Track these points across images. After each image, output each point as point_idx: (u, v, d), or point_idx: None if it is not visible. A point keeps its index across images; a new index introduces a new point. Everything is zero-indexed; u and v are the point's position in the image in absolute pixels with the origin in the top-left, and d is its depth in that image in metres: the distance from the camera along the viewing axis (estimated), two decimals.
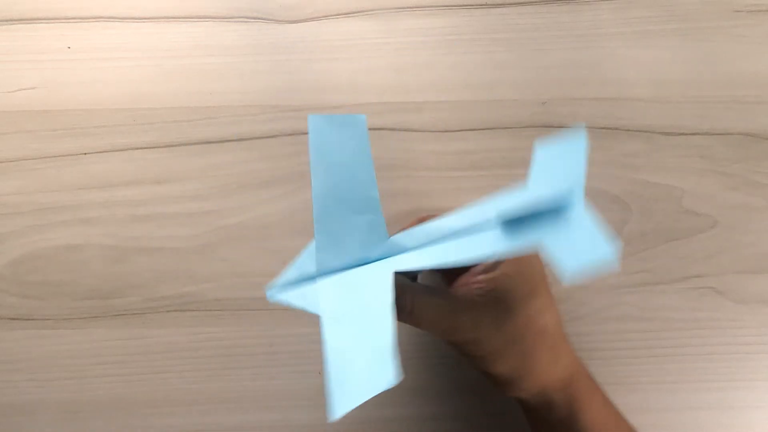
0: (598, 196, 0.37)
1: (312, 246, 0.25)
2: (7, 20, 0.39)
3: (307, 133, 0.38)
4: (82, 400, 0.35)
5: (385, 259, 0.25)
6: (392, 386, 0.21)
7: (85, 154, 0.38)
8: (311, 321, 0.36)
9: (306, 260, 0.25)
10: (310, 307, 0.25)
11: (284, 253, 0.37)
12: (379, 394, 0.35)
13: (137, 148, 0.38)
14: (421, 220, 0.30)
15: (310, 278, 0.25)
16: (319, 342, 0.36)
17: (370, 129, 0.38)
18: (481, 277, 0.27)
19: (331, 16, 0.40)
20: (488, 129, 0.38)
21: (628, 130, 0.38)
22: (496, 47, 0.39)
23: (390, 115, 0.38)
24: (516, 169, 0.38)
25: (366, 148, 0.26)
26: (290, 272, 0.25)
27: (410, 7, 0.40)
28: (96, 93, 0.39)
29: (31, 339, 0.36)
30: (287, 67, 0.39)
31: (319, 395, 0.35)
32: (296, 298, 0.25)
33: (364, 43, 0.39)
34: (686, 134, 0.38)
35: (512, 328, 0.26)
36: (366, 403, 0.35)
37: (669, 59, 0.39)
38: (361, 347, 0.23)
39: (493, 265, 0.27)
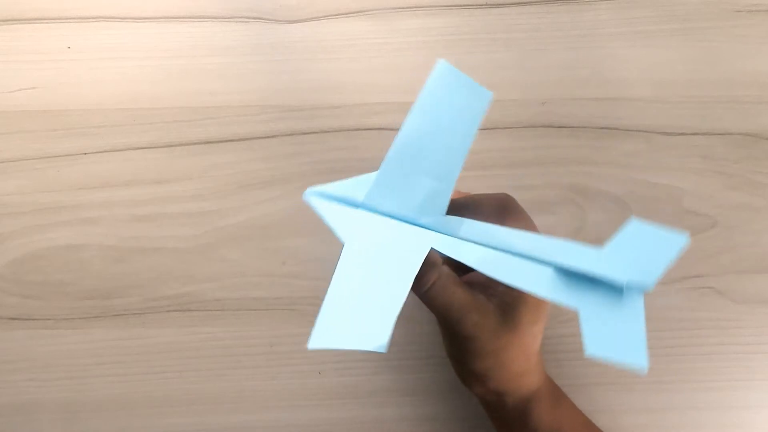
0: (598, 196, 0.37)
1: (368, 176, 0.24)
2: (7, 20, 0.39)
3: (307, 133, 0.38)
4: (82, 400, 0.35)
5: (430, 231, 0.24)
6: (377, 351, 0.21)
7: (85, 154, 0.38)
8: (311, 321, 0.36)
9: (355, 186, 0.24)
10: (336, 228, 0.24)
11: (284, 253, 0.37)
12: (378, 395, 0.35)
13: (137, 148, 0.38)
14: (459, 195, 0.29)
15: (353, 203, 0.24)
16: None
17: (370, 129, 0.38)
18: (502, 288, 0.28)
19: (331, 16, 0.40)
20: (488, 129, 0.38)
21: (628, 130, 0.38)
22: (496, 47, 0.39)
23: (390, 115, 0.38)
24: (516, 169, 0.38)
25: (476, 124, 0.24)
26: (336, 187, 0.24)
27: (410, 7, 0.40)
28: (96, 93, 0.39)
29: (31, 339, 0.36)
30: (287, 67, 0.39)
31: (319, 395, 0.35)
32: (329, 212, 0.24)
33: (364, 43, 0.39)
34: (686, 134, 0.38)
35: (507, 341, 0.27)
36: (366, 402, 0.35)
37: (669, 59, 0.39)
38: (368, 300, 0.22)
39: None
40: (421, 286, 0.26)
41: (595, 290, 0.22)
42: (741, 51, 0.39)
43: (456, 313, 0.26)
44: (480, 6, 0.40)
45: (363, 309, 0.22)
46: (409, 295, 0.23)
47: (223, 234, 0.37)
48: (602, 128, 0.38)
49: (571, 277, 0.22)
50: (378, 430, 0.35)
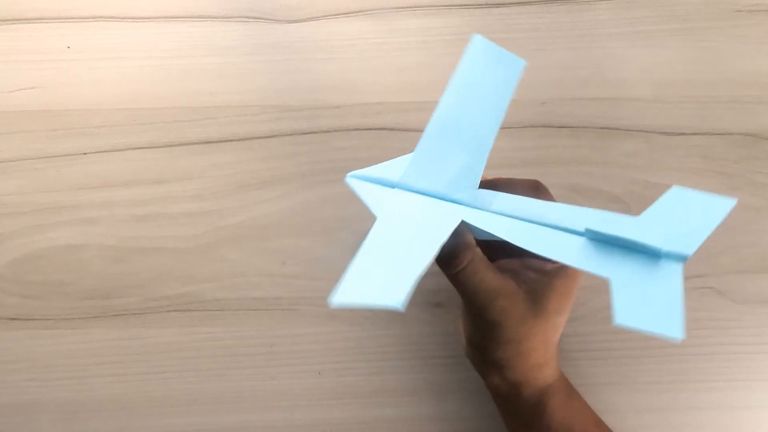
0: (598, 196, 0.37)
1: (405, 158, 0.25)
2: (7, 20, 0.39)
3: (307, 133, 0.38)
4: (82, 400, 0.35)
5: (463, 205, 0.25)
6: (394, 308, 0.20)
7: (85, 154, 0.38)
8: (311, 321, 0.36)
9: (392, 168, 0.25)
10: (372, 207, 0.25)
11: (284, 253, 0.37)
12: (378, 395, 0.35)
13: (137, 148, 0.38)
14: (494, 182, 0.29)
15: (389, 184, 0.25)
16: (319, 342, 0.36)
17: (370, 129, 0.38)
18: (532, 275, 0.28)
19: (331, 16, 0.40)
20: None
21: (628, 130, 0.38)
22: None
23: (390, 115, 0.38)
24: (516, 169, 0.38)
25: (509, 93, 0.26)
26: (374, 170, 0.26)
27: (410, 7, 0.40)
28: (96, 93, 0.39)
29: (31, 339, 0.36)
30: (287, 67, 0.39)
31: (319, 395, 0.35)
32: (366, 192, 0.25)
33: (364, 43, 0.39)
34: (686, 134, 0.38)
35: (531, 330, 0.27)
36: (366, 402, 0.35)
37: (669, 59, 0.39)
38: (392, 263, 0.23)
39: (548, 271, 0.28)
40: (454, 266, 0.26)
41: (630, 258, 0.21)
42: (741, 51, 0.39)
43: (485, 296, 0.26)
44: (480, 6, 0.40)
45: (386, 271, 0.22)
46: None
47: (223, 234, 0.37)
48: (602, 128, 0.38)
49: (605, 246, 0.22)
50: (378, 430, 0.35)
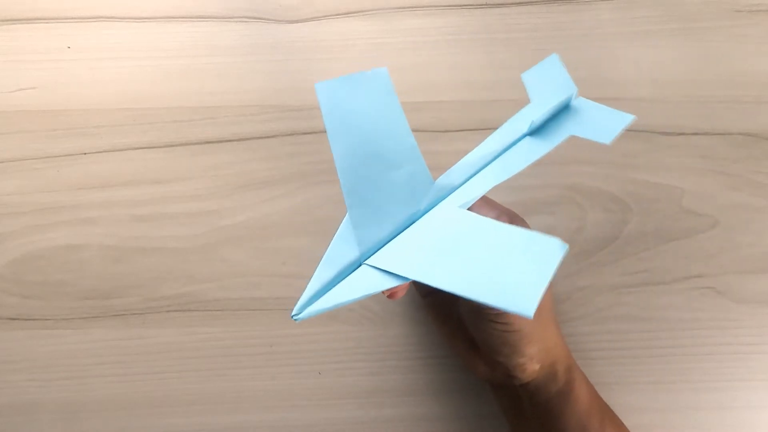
0: (598, 196, 0.37)
1: (337, 239, 0.23)
2: (7, 20, 0.39)
3: (307, 133, 0.38)
4: (82, 400, 0.35)
5: (440, 202, 0.24)
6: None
7: (85, 154, 0.38)
8: (311, 321, 0.36)
9: (334, 256, 0.22)
10: (363, 292, 0.22)
11: (284, 253, 0.37)
12: (378, 395, 0.35)
13: (137, 148, 0.38)
14: None
15: (351, 267, 0.22)
16: (319, 342, 0.36)
17: None
18: None
19: (331, 16, 0.40)
20: (488, 129, 0.38)
21: (628, 130, 0.38)
22: (496, 47, 0.39)
23: None
24: None
25: (391, 97, 0.24)
26: (313, 284, 0.22)
27: (410, 7, 0.40)
28: (96, 93, 0.39)
29: (31, 339, 0.36)
30: (287, 67, 0.39)
31: (318, 395, 0.35)
32: (338, 296, 0.22)
33: (364, 43, 0.39)
34: (686, 134, 0.38)
35: (540, 321, 0.28)
36: (365, 402, 0.35)
37: (669, 59, 0.39)
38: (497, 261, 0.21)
39: None
40: (426, 294, 0.26)
41: (561, 120, 0.26)
42: (741, 51, 0.39)
43: (493, 313, 0.27)
44: (480, 6, 0.40)
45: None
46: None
47: (223, 234, 0.37)
48: None
49: (543, 130, 0.26)
50: (378, 430, 0.35)
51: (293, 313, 0.21)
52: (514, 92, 0.39)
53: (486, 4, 0.40)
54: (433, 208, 0.24)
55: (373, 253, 0.23)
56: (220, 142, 0.38)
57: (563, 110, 0.27)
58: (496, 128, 0.36)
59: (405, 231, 0.23)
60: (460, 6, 0.40)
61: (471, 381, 0.35)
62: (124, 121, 0.38)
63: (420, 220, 0.24)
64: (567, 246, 0.20)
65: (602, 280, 0.36)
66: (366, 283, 0.22)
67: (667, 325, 0.36)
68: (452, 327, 0.31)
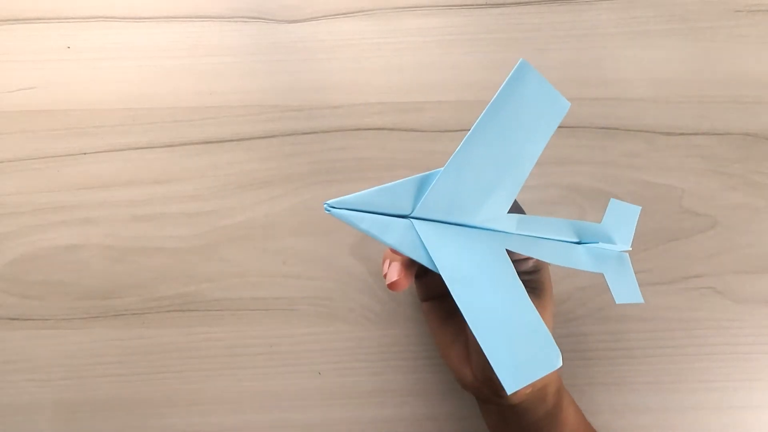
0: (598, 196, 0.37)
1: (400, 184, 0.22)
2: (7, 20, 0.39)
3: (307, 133, 0.38)
4: (82, 400, 0.35)
5: (491, 231, 0.24)
6: (558, 368, 0.22)
7: (85, 154, 0.38)
8: (311, 321, 0.36)
9: (392, 192, 0.22)
10: (389, 240, 0.22)
11: (284, 253, 0.37)
12: (378, 395, 0.35)
13: (137, 148, 0.38)
14: None
15: (396, 214, 0.22)
16: (319, 342, 0.36)
17: (370, 129, 0.38)
18: (524, 278, 0.28)
19: (331, 16, 0.40)
20: None
21: (628, 130, 0.38)
22: (496, 47, 0.39)
23: (390, 115, 0.38)
24: None
25: (549, 133, 0.23)
26: (364, 198, 0.22)
27: (410, 7, 0.40)
28: (96, 93, 0.39)
29: (31, 339, 0.36)
30: (287, 67, 0.39)
31: (318, 395, 0.35)
32: (370, 223, 0.22)
33: (364, 43, 0.39)
34: (686, 134, 0.38)
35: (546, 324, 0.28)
36: (365, 402, 0.35)
37: (669, 59, 0.39)
38: (510, 328, 0.22)
39: (529, 270, 0.28)
40: (426, 299, 0.26)
41: (609, 259, 0.29)
42: (741, 51, 0.39)
43: None
44: (480, 6, 0.40)
45: (518, 341, 0.22)
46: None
47: (223, 234, 0.37)
48: (602, 128, 0.38)
49: (592, 250, 0.28)
50: (378, 430, 0.35)
51: (329, 202, 0.21)
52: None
53: (486, 4, 0.40)
54: (483, 229, 0.24)
55: (423, 221, 0.23)
56: (220, 142, 0.38)
57: (616, 255, 0.30)
58: None
59: (457, 227, 0.23)
60: (460, 6, 0.40)
61: None
62: (124, 121, 0.38)
63: (473, 228, 0.24)
64: (561, 364, 0.22)
65: (602, 280, 0.36)
66: (398, 235, 0.22)
67: (667, 325, 0.36)
68: (448, 335, 0.31)
